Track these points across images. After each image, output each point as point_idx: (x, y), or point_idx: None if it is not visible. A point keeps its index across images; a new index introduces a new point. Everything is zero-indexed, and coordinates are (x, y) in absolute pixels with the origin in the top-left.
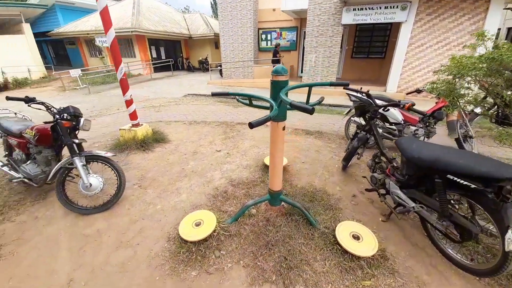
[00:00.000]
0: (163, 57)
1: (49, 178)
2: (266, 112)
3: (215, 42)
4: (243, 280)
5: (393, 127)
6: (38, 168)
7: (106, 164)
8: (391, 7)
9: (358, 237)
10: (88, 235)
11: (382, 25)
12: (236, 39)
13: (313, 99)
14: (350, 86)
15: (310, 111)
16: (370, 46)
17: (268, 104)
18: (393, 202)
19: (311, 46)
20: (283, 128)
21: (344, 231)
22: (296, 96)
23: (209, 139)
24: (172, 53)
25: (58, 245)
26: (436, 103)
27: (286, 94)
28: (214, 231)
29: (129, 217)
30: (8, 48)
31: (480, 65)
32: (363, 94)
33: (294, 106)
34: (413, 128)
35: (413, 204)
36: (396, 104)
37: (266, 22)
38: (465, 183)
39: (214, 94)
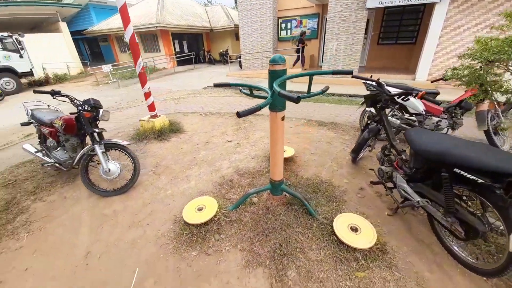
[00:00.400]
0: (186, 50)
1: (75, 163)
2: None
3: (235, 33)
4: (238, 263)
5: (413, 118)
6: (66, 154)
7: (122, 152)
8: None
9: (357, 229)
10: (106, 214)
11: (414, 6)
12: (255, 29)
13: (336, 89)
14: (361, 75)
15: (295, 100)
16: (399, 31)
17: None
18: (400, 196)
19: (332, 33)
20: (282, 118)
21: (342, 223)
22: (316, 86)
23: (222, 129)
24: (194, 47)
25: (81, 223)
26: (465, 91)
27: (285, 83)
28: (215, 216)
29: (142, 200)
30: (48, 45)
31: (506, 48)
32: (374, 82)
33: (281, 95)
34: (436, 119)
35: (418, 199)
36: (407, 93)
37: (286, 10)
38: (472, 177)
39: (216, 85)
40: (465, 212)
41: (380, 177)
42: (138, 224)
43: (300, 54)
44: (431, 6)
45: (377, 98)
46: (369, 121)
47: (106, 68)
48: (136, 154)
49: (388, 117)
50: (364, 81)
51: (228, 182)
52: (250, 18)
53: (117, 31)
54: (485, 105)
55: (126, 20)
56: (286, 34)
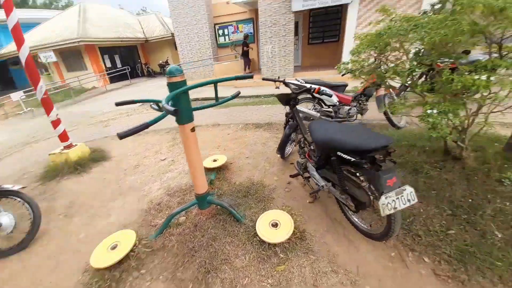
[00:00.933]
0: (119, 65)
1: None
2: (216, 112)
3: (174, 43)
4: None
5: (330, 109)
6: None
7: (17, 199)
8: None
9: (277, 224)
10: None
11: (333, 8)
12: (192, 37)
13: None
14: (294, 78)
15: (172, 113)
16: (324, 31)
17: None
18: (315, 184)
19: (266, 37)
20: (192, 130)
21: (264, 221)
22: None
23: (156, 148)
24: (129, 60)
25: None
26: (367, 81)
27: (186, 95)
28: (132, 251)
29: (47, 253)
30: None
31: (374, 40)
32: (281, 82)
33: (162, 108)
34: (347, 108)
35: (323, 183)
36: (308, 90)
37: (222, 16)
38: (347, 157)
39: (118, 104)
40: (353, 187)
41: (298, 169)
42: (39, 284)
43: (245, 58)
44: (346, 6)
45: (289, 97)
46: (287, 118)
47: (16, 96)
48: (44, 197)
49: (310, 110)
50: (288, 82)
51: (155, 206)
52: (185, 26)
53: (30, 50)
54: (382, 91)
55: (19, 41)
56: (225, 40)
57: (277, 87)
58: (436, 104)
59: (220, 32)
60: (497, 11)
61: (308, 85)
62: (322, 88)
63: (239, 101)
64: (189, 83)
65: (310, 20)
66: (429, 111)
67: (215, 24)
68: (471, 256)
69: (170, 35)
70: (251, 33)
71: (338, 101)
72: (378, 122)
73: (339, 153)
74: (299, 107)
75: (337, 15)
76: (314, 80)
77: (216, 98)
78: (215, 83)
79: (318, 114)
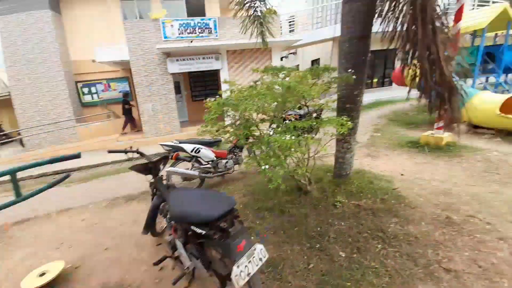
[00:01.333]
0: None
1: None
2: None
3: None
4: None
5: (208, 165)
6: None
7: None
8: (207, 58)
9: None
10: None
11: (210, 71)
12: (41, 96)
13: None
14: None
15: None
16: (206, 89)
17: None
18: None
19: (144, 95)
20: None
21: None
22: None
23: None
24: None
25: None
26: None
27: None
28: None
29: None
30: None
31: (213, 107)
32: (134, 152)
33: None
34: (224, 161)
35: (188, 264)
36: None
37: (88, 73)
38: (199, 230)
39: None
40: (215, 261)
41: (167, 249)
42: None
43: (127, 116)
44: (219, 70)
45: (148, 166)
46: (151, 188)
47: None
48: None
49: (188, 170)
50: (162, 144)
51: None
52: (29, 83)
53: None
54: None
55: None
56: (93, 98)
57: (130, 158)
58: (267, 160)
59: (85, 90)
60: (286, 88)
61: (189, 146)
62: (192, 147)
63: (111, 168)
64: (38, 153)
65: (190, 80)
66: (263, 167)
67: (77, 82)
68: (328, 286)
69: (8, 93)
70: (127, 91)
71: (215, 156)
72: (255, 170)
73: (192, 227)
74: (176, 168)
75: (214, 76)
76: (190, 140)
77: (18, 193)
78: (12, 173)
79: (197, 173)
